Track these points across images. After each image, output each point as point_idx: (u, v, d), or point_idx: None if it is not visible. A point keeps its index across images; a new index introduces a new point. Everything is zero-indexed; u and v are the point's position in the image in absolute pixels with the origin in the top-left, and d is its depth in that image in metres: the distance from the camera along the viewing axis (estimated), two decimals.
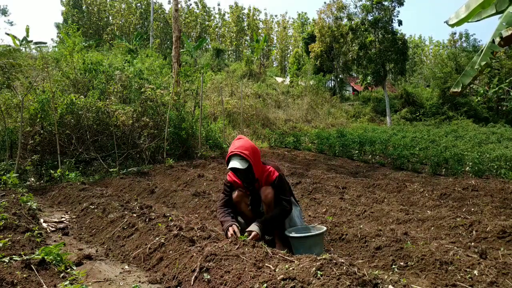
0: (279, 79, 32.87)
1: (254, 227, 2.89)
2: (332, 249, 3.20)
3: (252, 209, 3.21)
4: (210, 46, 39.82)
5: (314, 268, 2.01)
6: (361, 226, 3.62)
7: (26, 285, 2.16)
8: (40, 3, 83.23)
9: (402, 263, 2.70)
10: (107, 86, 9.62)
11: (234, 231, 2.86)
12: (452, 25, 5.25)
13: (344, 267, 1.99)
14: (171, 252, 2.83)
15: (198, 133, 10.48)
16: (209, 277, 2.28)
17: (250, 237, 2.80)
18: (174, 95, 10.06)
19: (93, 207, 4.53)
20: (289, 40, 56.09)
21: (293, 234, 2.95)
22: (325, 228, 2.98)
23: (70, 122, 8.28)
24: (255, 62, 31.03)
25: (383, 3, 23.27)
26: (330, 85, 31.64)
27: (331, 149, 11.06)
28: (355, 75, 33.16)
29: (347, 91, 33.04)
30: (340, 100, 27.25)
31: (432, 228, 3.64)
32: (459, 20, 5.06)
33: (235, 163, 2.95)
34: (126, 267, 2.92)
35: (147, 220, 3.61)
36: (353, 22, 25.42)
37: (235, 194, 3.21)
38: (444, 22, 5.45)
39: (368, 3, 23.76)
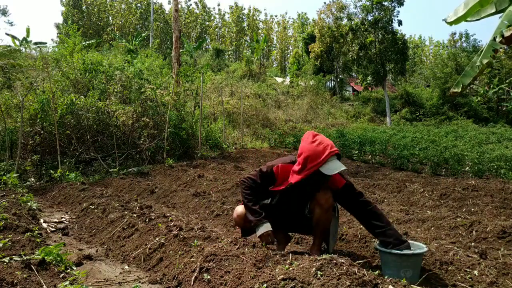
0: (279, 79, 32.87)
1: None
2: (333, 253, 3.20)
3: (292, 212, 2.77)
4: (210, 46, 39.87)
5: (314, 268, 2.00)
6: (361, 226, 3.61)
7: (26, 285, 2.15)
8: (40, 3, 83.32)
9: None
10: (107, 86, 9.62)
11: (268, 239, 2.46)
12: (451, 23, 5.26)
13: (344, 267, 1.99)
14: (171, 252, 2.83)
15: (198, 133, 10.48)
16: (209, 277, 2.28)
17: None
18: (174, 95, 10.06)
19: (93, 207, 4.53)
20: (289, 40, 56.09)
21: (393, 251, 2.36)
22: (425, 247, 2.41)
23: (70, 122, 8.29)
24: (255, 62, 31.03)
25: (383, 3, 23.26)
26: (330, 85, 31.64)
27: None
28: (355, 75, 33.15)
29: (347, 91, 33.03)
30: (340, 100, 27.25)
31: (432, 228, 3.64)
32: (457, 17, 5.07)
33: (341, 166, 2.44)
34: (126, 267, 2.92)
35: (147, 220, 3.61)
36: (353, 22, 25.40)
37: (239, 210, 2.76)
38: (443, 20, 5.46)
39: (368, 3, 23.75)
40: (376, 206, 2.61)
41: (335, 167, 2.42)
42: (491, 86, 18.53)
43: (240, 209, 2.79)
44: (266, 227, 2.50)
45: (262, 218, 2.52)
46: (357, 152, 10.17)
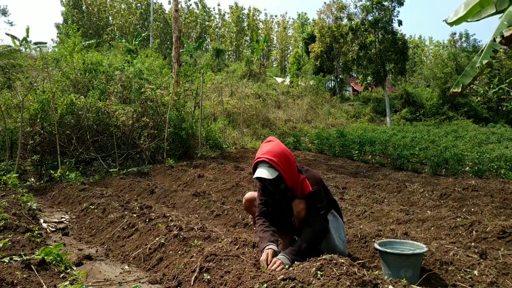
0: (279, 79, 32.87)
1: (283, 258, 2.32)
2: None
3: (283, 220, 2.78)
4: (210, 47, 39.88)
5: (314, 268, 2.00)
6: (361, 226, 3.61)
7: (26, 285, 2.15)
8: (40, 3, 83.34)
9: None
10: (107, 86, 9.62)
11: (266, 258, 2.38)
12: (451, 24, 5.26)
13: (344, 267, 1.99)
14: (171, 252, 2.83)
15: (198, 133, 10.48)
16: (209, 277, 2.28)
17: (273, 266, 2.27)
18: (174, 95, 10.06)
19: (93, 207, 4.53)
20: (289, 40, 56.08)
21: (393, 251, 2.36)
22: (425, 247, 2.39)
23: (70, 122, 8.29)
24: (255, 62, 31.03)
25: (383, 3, 23.27)
26: (330, 85, 31.64)
27: (331, 149, 11.06)
28: (355, 75, 33.15)
29: (347, 91, 33.03)
30: (340, 100, 27.25)
31: (432, 228, 3.64)
32: (458, 18, 5.07)
33: (261, 172, 2.49)
34: (126, 267, 2.92)
35: (147, 220, 3.61)
36: (353, 22, 25.41)
37: (247, 195, 2.90)
38: (443, 20, 5.46)
39: (368, 3, 23.75)
40: (312, 229, 2.54)
41: (256, 172, 2.53)
42: (491, 86, 18.51)
43: (248, 194, 2.98)
44: (269, 247, 2.44)
45: (267, 242, 2.49)
46: (357, 152, 10.17)
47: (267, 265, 2.30)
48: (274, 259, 2.33)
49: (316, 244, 2.58)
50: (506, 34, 4.01)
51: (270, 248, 2.42)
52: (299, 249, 2.43)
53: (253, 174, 2.59)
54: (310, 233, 2.51)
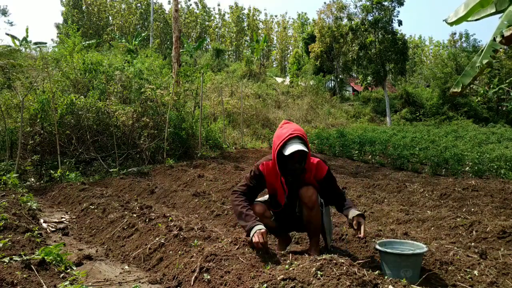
0: (279, 79, 32.87)
1: (357, 213, 2.55)
2: (332, 249, 3.20)
3: (285, 211, 2.76)
4: (210, 47, 39.87)
5: (314, 268, 2.00)
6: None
7: (26, 285, 2.15)
8: (40, 3, 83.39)
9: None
10: (107, 86, 9.63)
11: (263, 239, 2.34)
12: (451, 24, 5.26)
13: (344, 267, 1.99)
14: (171, 252, 2.83)
15: (198, 133, 10.48)
16: (209, 277, 2.28)
17: (362, 227, 2.46)
18: (174, 95, 10.06)
19: (93, 207, 4.53)
20: (289, 41, 56.09)
21: (393, 251, 2.35)
22: (425, 247, 2.39)
23: (70, 122, 8.29)
24: (255, 62, 31.03)
25: (383, 3, 23.26)
26: (330, 85, 31.64)
27: (331, 149, 11.06)
28: (355, 75, 33.15)
29: (347, 91, 33.03)
30: (340, 100, 27.25)
31: (432, 228, 3.64)
32: (458, 18, 5.07)
33: (298, 146, 2.45)
34: (126, 267, 2.92)
35: (147, 220, 3.61)
36: (353, 22, 25.41)
37: (258, 207, 2.73)
38: (443, 20, 5.46)
39: (368, 3, 23.75)
40: (346, 199, 2.77)
41: (292, 147, 2.47)
42: (491, 86, 18.50)
43: (259, 207, 2.86)
44: (258, 228, 2.41)
45: (256, 220, 2.47)
46: (357, 152, 10.17)
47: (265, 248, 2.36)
48: (355, 220, 2.52)
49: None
50: (506, 33, 4.01)
51: (262, 226, 2.42)
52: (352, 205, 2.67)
53: (282, 150, 2.51)
54: (346, 199, 2.73)
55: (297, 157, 2.53)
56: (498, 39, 4.18)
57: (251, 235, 2.41)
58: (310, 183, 2.66)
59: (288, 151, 2.46)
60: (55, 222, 4.30)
